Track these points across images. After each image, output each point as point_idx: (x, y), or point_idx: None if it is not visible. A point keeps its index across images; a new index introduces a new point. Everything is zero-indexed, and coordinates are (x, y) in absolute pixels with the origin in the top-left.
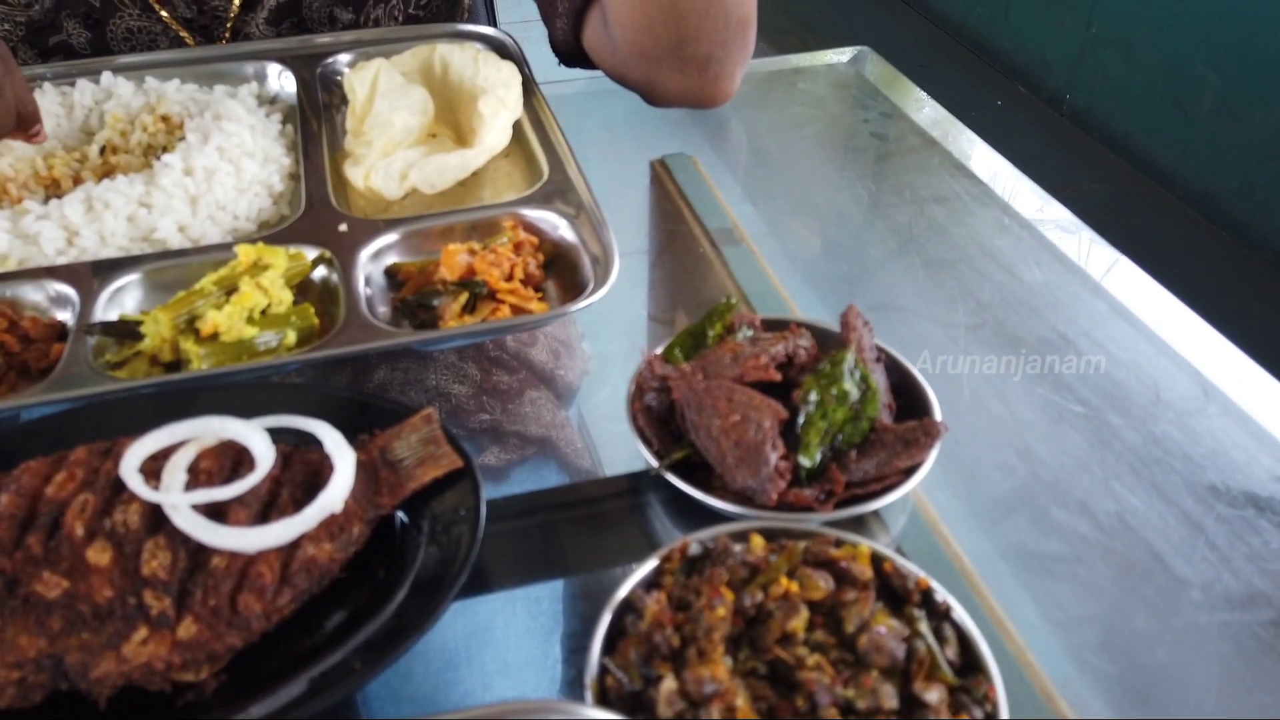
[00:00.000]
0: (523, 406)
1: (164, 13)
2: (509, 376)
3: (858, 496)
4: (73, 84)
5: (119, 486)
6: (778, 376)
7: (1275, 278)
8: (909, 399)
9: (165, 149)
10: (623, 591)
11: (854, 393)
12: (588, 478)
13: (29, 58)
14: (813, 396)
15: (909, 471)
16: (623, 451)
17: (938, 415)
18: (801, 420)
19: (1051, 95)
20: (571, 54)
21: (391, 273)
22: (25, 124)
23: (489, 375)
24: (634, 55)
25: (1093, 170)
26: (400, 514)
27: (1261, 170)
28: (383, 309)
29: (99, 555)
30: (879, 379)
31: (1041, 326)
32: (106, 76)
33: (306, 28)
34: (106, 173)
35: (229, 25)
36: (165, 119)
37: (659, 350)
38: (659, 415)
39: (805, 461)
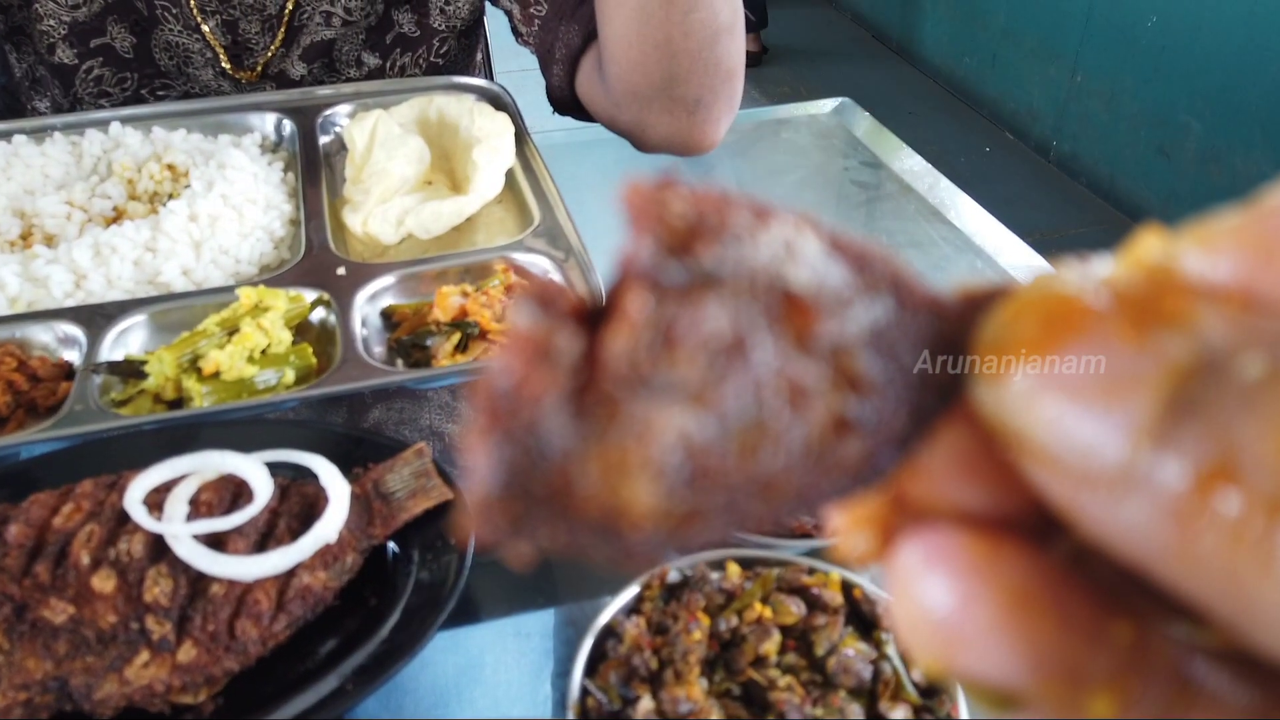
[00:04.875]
0: None
1: (206, 27)
2: None
3: None
4: (82, 134)
5: (123, 518)
6: None
7: None
8: None
9: (171, 196)
10: (604, 617)
11: None
12: None
13: (68, 56)
14: None
15: None
16: None
17: None
18: None
19: (1038, 142)
20: (565, 101)
21: (387, 314)
22: None
23: None
24: (626, 94)
25: (1079, 215)
26: (392, 544)
27: None
28: (379, 349)
29: (103, 582)
30: None
31: None
32: (115, 126)
33: (335, 68)
34: (114, 219)
35: (264, 60)
36: (171, 167)
37: None
38: None
39: None
